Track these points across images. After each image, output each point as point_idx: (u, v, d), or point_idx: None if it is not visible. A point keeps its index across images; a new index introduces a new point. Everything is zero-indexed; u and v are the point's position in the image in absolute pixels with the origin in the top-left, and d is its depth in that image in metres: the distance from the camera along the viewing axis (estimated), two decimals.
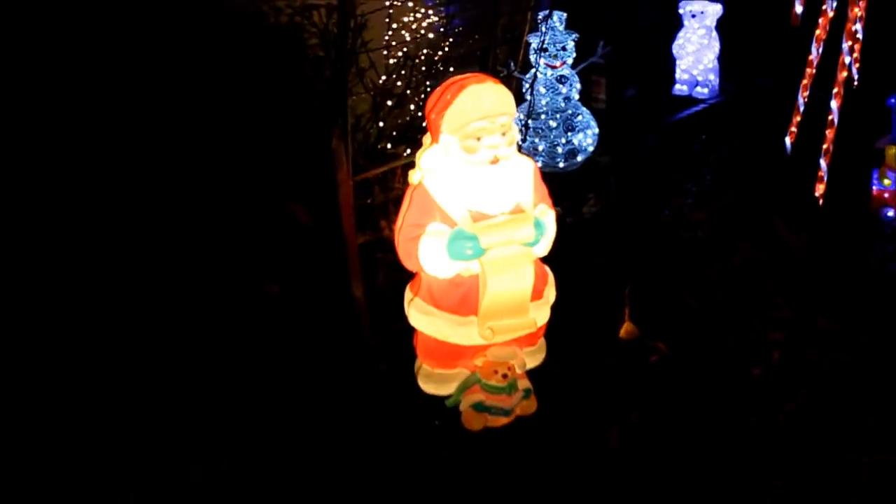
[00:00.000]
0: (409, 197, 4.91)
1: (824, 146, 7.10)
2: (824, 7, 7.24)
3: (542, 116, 8.75)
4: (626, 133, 9.79)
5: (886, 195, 7.33)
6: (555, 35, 8.60)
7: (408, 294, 5.22)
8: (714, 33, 10.45)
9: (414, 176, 4.95)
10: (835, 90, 6.99)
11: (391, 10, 8.18)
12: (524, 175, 4.92)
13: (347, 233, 5.25)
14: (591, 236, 7.84)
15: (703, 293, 6.80)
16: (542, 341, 5.44)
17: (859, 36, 9.10)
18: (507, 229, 4.77)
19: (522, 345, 5.29)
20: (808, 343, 6.26)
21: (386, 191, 5.94)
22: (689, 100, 10.64)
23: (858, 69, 9.34)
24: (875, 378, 5.96)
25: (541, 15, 8.59)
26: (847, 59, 6.88)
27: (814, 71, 7.29)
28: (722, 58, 10.60)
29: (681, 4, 10.47)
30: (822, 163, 7.13)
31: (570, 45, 8.65)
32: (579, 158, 8.84)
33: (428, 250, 4.78)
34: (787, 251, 7.16)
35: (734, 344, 6.19)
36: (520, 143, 5.36)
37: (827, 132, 7.08)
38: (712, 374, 5.93)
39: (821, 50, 7.28)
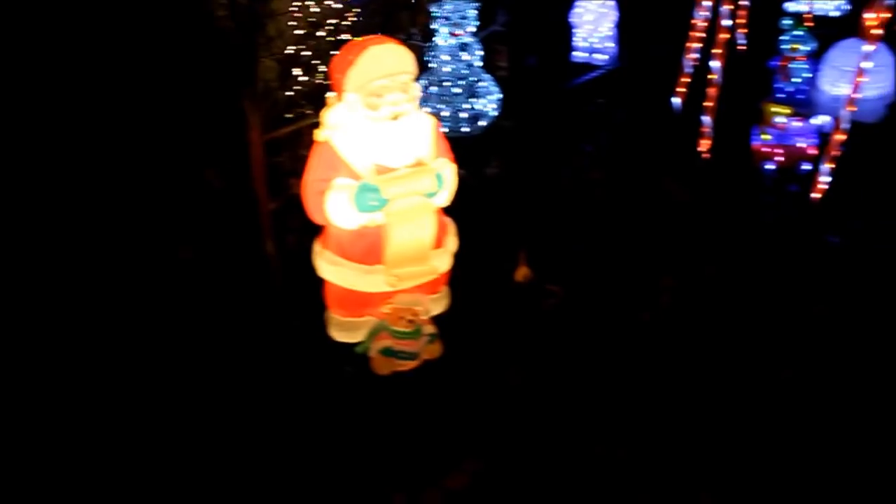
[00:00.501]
0: (315, 153, 5.15)
1: (707, 104, 7.56)
2: None
3: (447, 83, 9.03)
4: (528, 98, 10.17)
5: (766, 149, 7.83)
6: (457, 4, 8.87)
7: (317, 247, 5.45)
8: (611, 2, 10.87)
9: (320, 134, 5.18)
10: (717, 51, 7.43)
11: None
12: (424, 130, 5.19)
13: (259, 191, 5.46)
14: (493, 196, 8.17)
15: (599, 246, 7.20)
16: (445, 289, 5.74)
17: (744, 2, 9.69)
18: (408, 181, 5.04)
19: (427, 292, 5.57)
20: (694, 289, 6.69)
21: (294, 152, 6.15)
22: (588, 66, 11.06)
23: (745, 35, 9.92)
24: (754, 321, 6.44)
25: None
26: (728, 22, 7.34)
27: (698, 34, 7.72)
28: (619, 26, 11.03)
29: None
30: (707, 119, 7.60)
31: (472, 13, 8.94)
32: (482, 123, 9.16)
33: (335, 203, 5.01)
34: (676, 205, 7.60)
35: (627, 291, 6.60)
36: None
37: (709, 90, 7.54)
38: (605, 319, 6.33)
39: (709, 15, 7.70)
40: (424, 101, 9.02)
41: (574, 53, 11.17)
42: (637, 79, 10.22)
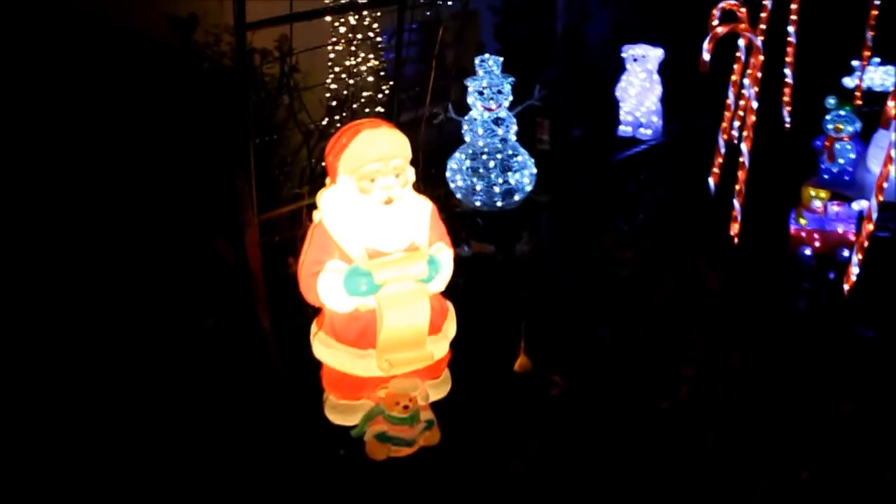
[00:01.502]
0: (310, 235, 5.14)
1: (737, 187, 7.35)
2: (738, 54, 7.53)
3: (484, 156, 8.99)
4: (569, 172, 10.07)
5: (803, 234, 7.56)
6: (491, 79, 8.86)
7: (313, 328, 5.43)
8: (656, 76, 10.75)
9: (316, 216, 5.17)
10: (744, 133, 7.24)
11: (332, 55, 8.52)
12: (420, 215, 5.16)
13: (254, 270, 5.46)
14: (521, 273, 8.05)
15: (622, 329, 6.99)
16: (446, 374, 5.64)
17: (789, 80, 9.48)
18: (400, 266, 5.00)
19: (425, 377, 5.48)
20: (717, 379, 6.44)
21: (296, 229, 6.16)
22: (633, 140, 10.92)
23: (790, 112, 9.68)
24: (778, 412, 6.16)
25: (478, 59, 8.90)
26: (754, 104, 7.15)
27: (731, 113, 7.54)
28: (665, 100, 10.90)
29: (623, 49, 10.78)
30: (736, 203, 7.37)
31: (507, 88, 8.91)
32: (517, 197, 9.07)
33: (326, 286, 5.01)
34: (706, 289, 7.37)
35: (645, 379, 6.38)
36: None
37: (739, 174, 7.33)
38: (619, 407, 6.11)
39: (749, 93, 7.51)
40: (456, 175, 8.99)
41: (620, 127, 11.02)
42: (680, 155, 10.03)
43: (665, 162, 10.12)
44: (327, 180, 5.19)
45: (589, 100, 11.55)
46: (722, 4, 7.45)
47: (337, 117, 7.92)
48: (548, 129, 10.58)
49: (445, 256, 5.18)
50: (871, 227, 6.46)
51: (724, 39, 7.61)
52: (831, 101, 8.67)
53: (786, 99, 9.77)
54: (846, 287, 6.66)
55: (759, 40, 7.01)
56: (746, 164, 7.22)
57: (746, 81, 7.45)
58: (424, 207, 5.16)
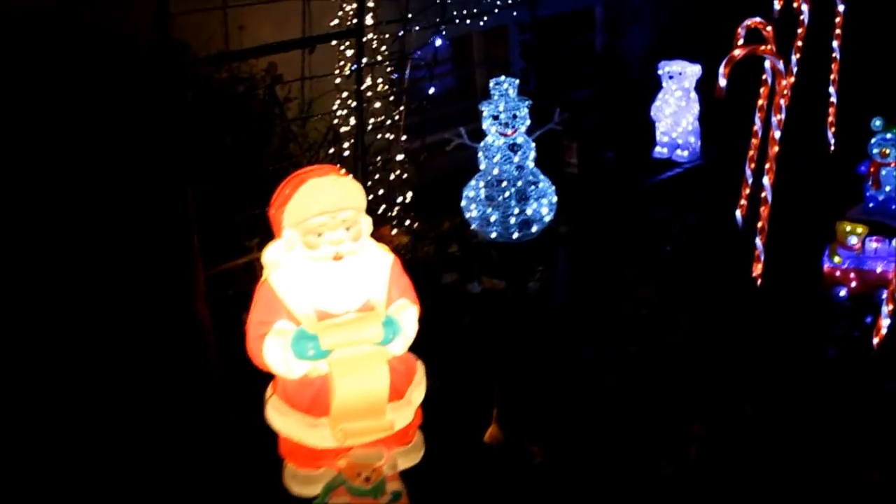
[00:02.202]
0: (256, 293, 4.71)
1: (759, 224, 6.70)
2: (764, 77, 6.88)
3: (503, 184, 8.48)
4: (598, 198, 9.50)
5: (838, 273, 6.87)
6: (507, 102, 8.35)
7: (268, 391, 4.99)
8: (693, 95, 10.11)
9: (265, 272, 4.74)
10: (766, 166, 6.58)
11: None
12: (377, 270, 4.69)
13: (204, 327, 5.05)
14: (533, 310, 7.53)
15: (627, 376, 6.42)
16: (417, 439, 5.15)
17: (833, 99, 8.75)
18: (351, 329, 4.53)
19: (392, 444, 5.00)
20: (730, 436, 5.84)
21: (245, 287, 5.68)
22: (669, 163, 10.29)
23: (834, 134, 8.95)
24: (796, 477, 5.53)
25: (492, 82, 8.40)
26: (777, 134, 6.48)
27: (758, 141, 6.89)
28: (704, 120, 10.24)
29: (659, 65, 10.16)
30: (758, 242, 6.73)
31: (524, 112, 8.40)
32: (534, 229, 8.54)
33: (272, 350, 4.57)
34: (730, 332, 6.74)
35: (647, 436, 5.80)
36: None
37: (761, 210, 6.69)
38: (614, 471, 5.54)
39: (773, 121, 6.85)
40: (471, 204, 8.50)
41: (655, 149, 10.38)
42: (718, 179, 9.36)
43: (699, 188, 9.44)
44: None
45: (623, 120, 10.94)
46: (747, 22, 6.80)
47: (332, 151, 7.46)
48: (576, 152, 10.01)
49: (408, 316, 4.68)
50: None
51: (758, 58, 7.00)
52: (877, 122, 7.96)
53: (830, 119, 9.03)
54: (875, 341, 5.95)
55: (780, 64, 6.35)
56: (769, 198, 6.58)
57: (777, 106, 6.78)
58: (384, 261, 4.67)
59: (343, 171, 4.60)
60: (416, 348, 4.86)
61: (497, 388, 5.86)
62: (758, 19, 6.76)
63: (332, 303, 4.57)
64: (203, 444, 5.61)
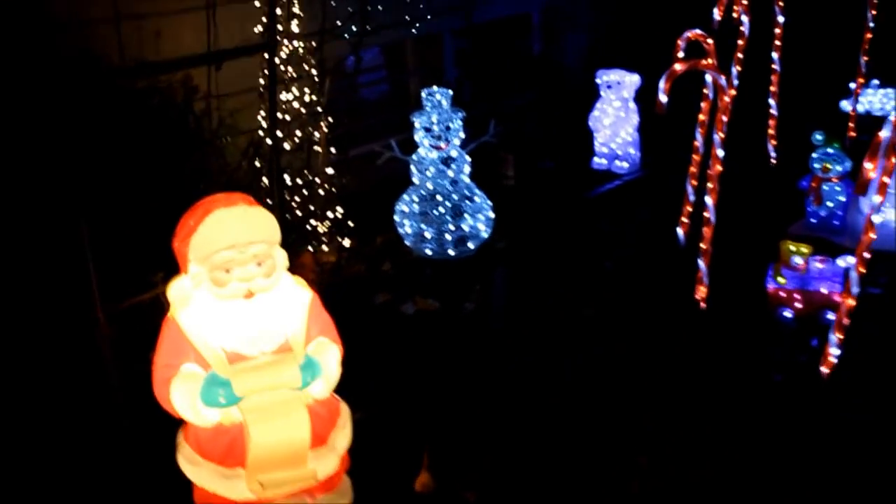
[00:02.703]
0: (163, 332, 4.26)
1: (702, 246, 6.42)
2: (705, 91, 6.61)
3: (438, 199, 8.11)
4: (539, 210, 9.19)
5: (782, 294, 6.63)
6: (440, 114, 7.98)
7: (179, 438, 4.55)
8: (632, 105, 9.85)
9: (171, 310, 4.30)
10: (709, 185, 6.32)
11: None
12: (294, 308, 4.27)
13: (106, 368, 4.59)
14: (468, 333, 7.17)
15: (569, 404, 6.10)
16: (344, 483, 4.77)
17: (773, 112, 8.55)
18: (265, 373, 4.13)
19: (317, 491, 4.59)
20: (674, 467, 5.54)
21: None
22: (608, 174, 10.03)
23: (776, 147, 8.76)
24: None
25: (424, 92, 8.03)
26: (719, 152, 6.22)
27: (699, 157, 6.62)
28: (644, 130, 9.99)
29: (597, 74, 9.89)
30: (702, 264, 6.45)
31: (457, 123, 8.04)
32: (471, 245, 8.19)
33: (180, 394, 4.15)
34: (674, 356, 6.46)
35: (592, 470, 5.47)
36: None
37: (704, 230, 6.41)
38: None
39: (714, 138, 6.57)
40: (404, 220, 8.12)
41: (594, 160, 10.11)
42: (659, 192, 9.10)
43: (639, 201, 9.19)
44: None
45: (561, 129, 10.67)
46: (687, 34, 6.52)
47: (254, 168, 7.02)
48: (513, 164, 9.69)
49: (329, 356, 4.30)
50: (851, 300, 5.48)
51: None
52: (818, 136, 7.76)
53: (771, 132, 8.84)
54: (824, 370, 5.70)
55: (722, 79, 6.07)
56: (712, 219, 6.31)
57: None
58: (301, 298, 4.26)
59: (252, 199, 4.15)
60: (341, 378, 4.47)
61: (427, 429, 5.48)
62: (699, 31, 6.47)
63: (244, 344, 4.16)
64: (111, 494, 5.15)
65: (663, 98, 5.87)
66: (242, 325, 4.15)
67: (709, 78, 6.45)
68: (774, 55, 8.60)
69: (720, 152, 6.21)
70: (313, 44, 7.74)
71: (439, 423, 5.66)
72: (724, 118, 6.21)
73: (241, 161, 6.86)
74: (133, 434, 5.16)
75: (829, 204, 7.79)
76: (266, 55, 6.78)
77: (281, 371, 4.14)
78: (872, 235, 5.34)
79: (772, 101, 8.75)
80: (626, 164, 9.85)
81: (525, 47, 11.77)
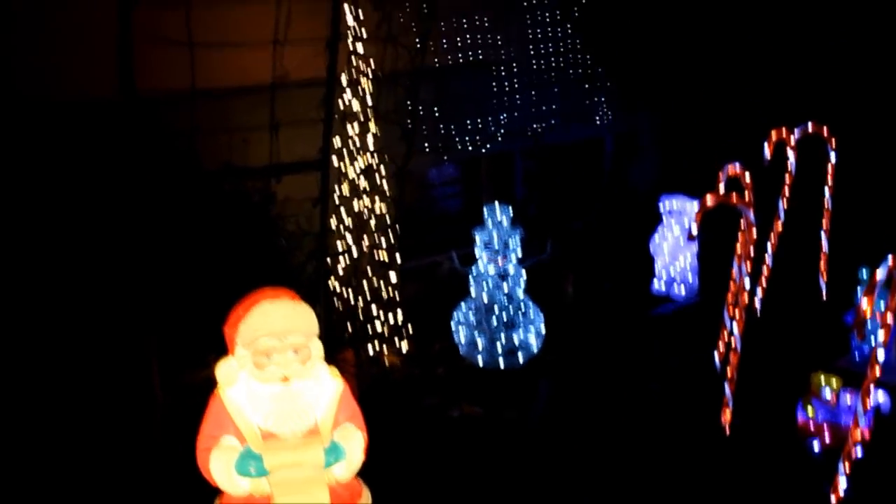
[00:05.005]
0: (210, 407, 4.81)
1: (728, 373, 6.69)
2: (742, 223, 6.99)
3: (492, 311, 8.58)
4: (593, 328, 9.53)
5: (811, 425, 6.81)
6: (499, 231, 8.52)
7: None
8: (693, 231, 10.14)
9: (219, 387, 4.85)
10: (735, 316, 6.62)
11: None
12: (325, 395, 4.78)
13: (156, 432, 5.11)
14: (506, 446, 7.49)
15: None
16: None
17: (825, 248, 8.81)
18: (294, 452, 4.63)
19: None
20: None
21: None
22: (665, 298, 10.32)
23: (827, 283, 8.98)
24: None
25: (486, 209, 8.59)
26: (747, 283, 6.55)
27: (736, 287, 6.95)
28: (703, 257, 10.30)
29: (660, 200, 10.29)
30: (727, 389, 6.70)
31: (516, 241, 8.56)
32: (520, 357, 8.59)
33: (217, 463, 4.68)
34: (700, 483, 6.66)
35: None
36: None
37: (731, 357, 6.69)
38: None
39: (740, 270, 6.91)
40: (460, 328, 8.59)
41: (654, 283, 10.44)
42: (708, 319, 9.34)
43: (690, 326, 9.45)
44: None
45: (623, 250, 11.06)
46: (727, 169, 6.95)
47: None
48: (573, 282, 10.11)
49: (353, 442, 4.76)
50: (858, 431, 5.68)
51: None
52: (865, 273, 7.98)
53: (822, 267, 9.09)
54: (833, 500, 5.86)
55: (751, 214, 6.46)
56: (738, 347, 6.58)
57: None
58: (333, 387, 4.76)
59: (296, 295, 4.71)
60: (381, 470, 4.90)
61: None
62: (738, 167, 6.89)
63: (278, 424, 4.66)
64: None
65: (694, 229, 6.28)
66: (277, 406, 4.66)
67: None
68: (826, 193, 8.91)
69: (747, 283, 6.54)
70: (386, 157, 8.43)
71: None
72: (751, 251, 6.54)
73: (305, 262, 7.48)
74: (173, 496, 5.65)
75: (873, 339, 7.91)
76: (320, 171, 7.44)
77: (308, 451, 4.62)
78: (877, 371, 5.56)
79: (823, 238, 9.02)
80: (682, 290, 10.13)
81: (594, 169, 12.28)
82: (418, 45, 8.59)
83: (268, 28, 7.54)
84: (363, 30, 7.98)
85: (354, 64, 7.98)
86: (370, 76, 7.87)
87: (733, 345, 6.67)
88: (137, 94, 6.33)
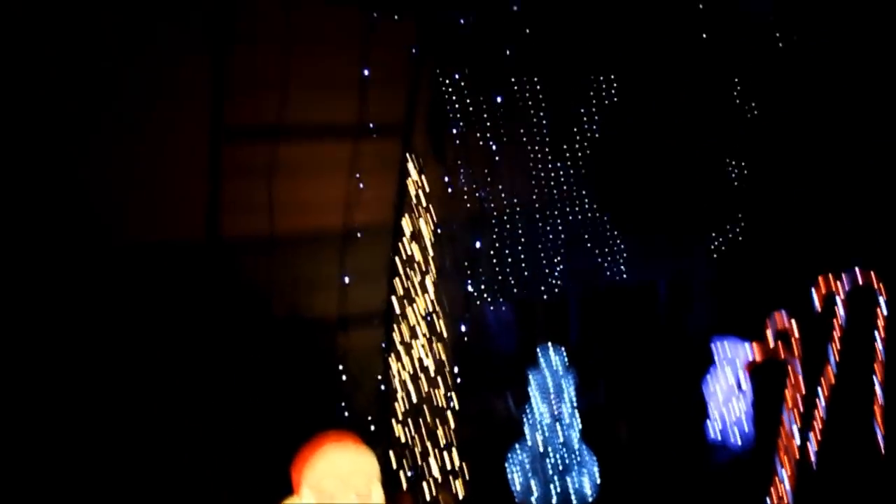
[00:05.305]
0: None
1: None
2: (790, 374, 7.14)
3: (546, 455, 8.71)
4: (644, 475, 9.56)
5: None
6: (553, 374, 8.73)
7: None
8: (745, 377, 10.22)
9: None
10: (784, 463, 6.70)
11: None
12: None
13: None
14: None
15: None
16: None
17: (881, 401, 8.84)
18: None
19: None
20: None
21: None
22: (719, 446, 10.30)
23: (884, 436, 8.95)
24: None
25: (539, 351, 8.83)
26: (797, 435, 6.65)
27: (785, 436, 7.04)
28: (758, 405, 10.29)
29: (713, 341, 10.33)
30: None
31: (569, 384, 8.75)
32: (574, 503, 8.65)
33: None
34: None
35: None
36: None
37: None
38: None
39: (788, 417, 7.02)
40: (514, 470, 8.72)
41: (707, 428, 10.45)
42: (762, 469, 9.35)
43: (745, 476, 9.42)
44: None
45: (678, 394, 11.11)
46: (776, 321, 7.14)
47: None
48: (627, 427, 10.20)
49: None
50: None
51: None
52: None
53: (878, 420, 9.07)
54: None
55: (798, 366, 6.62)
56: (788, 500, 6.62)
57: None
58: None
59: (359, 439, 4.99)
60: None
61: None
62: (785, 318, 7.08)
63: None
64: None
65: (744, 384, 6.46)
66: None
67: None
68: (878, 344, 8.97)
69: (796, 433, 6.63)
70: (445, 302, 8.80)
71: None
72: (800, 401, 6.67)
73: (367, 405, 7.78)
74: None
75: None
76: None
77: None
78: None
79: (878, 390, 9.03)
80: (737, 437, 10.10)
81: (649, 313, 12.45)
82: (477, 197, 9.02)
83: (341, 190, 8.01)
84: (424, 180, 8.47)
85: (418, 214, 8.46)
86: (433, 228, 8.30)
87: (784, 497, 6.71)
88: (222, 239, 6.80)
